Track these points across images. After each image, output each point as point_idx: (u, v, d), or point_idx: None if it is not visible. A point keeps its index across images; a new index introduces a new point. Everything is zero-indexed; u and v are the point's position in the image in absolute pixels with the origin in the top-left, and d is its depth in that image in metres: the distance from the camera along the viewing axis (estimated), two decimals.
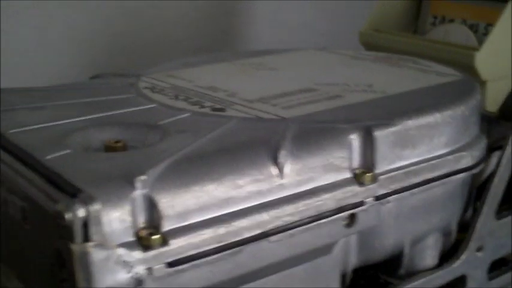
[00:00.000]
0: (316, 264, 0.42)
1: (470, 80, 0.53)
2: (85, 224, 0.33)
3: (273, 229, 0.38)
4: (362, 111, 0.45)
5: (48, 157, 0.37)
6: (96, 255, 0.33)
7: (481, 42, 0.70)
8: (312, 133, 0.41)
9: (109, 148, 0.39)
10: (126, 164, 0.37)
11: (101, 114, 0.44)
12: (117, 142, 0.40)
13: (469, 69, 0.65)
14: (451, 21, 0.77)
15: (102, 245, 0.33)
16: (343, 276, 0.45)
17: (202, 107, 0.46)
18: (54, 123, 0.43)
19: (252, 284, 0.40)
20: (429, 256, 0.48)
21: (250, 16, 0.97)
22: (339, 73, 0.55)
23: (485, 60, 0.68)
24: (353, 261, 0.44)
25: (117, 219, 0.34)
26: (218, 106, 0.46)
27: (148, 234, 0.35)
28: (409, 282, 0.46)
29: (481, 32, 0.75)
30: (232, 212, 0.37)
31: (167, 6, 0.90)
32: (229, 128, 0.42)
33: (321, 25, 1.02)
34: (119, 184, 0.34)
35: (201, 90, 0.49)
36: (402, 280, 0.47)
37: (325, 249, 0.42)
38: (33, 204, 0.35)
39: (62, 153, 0.38)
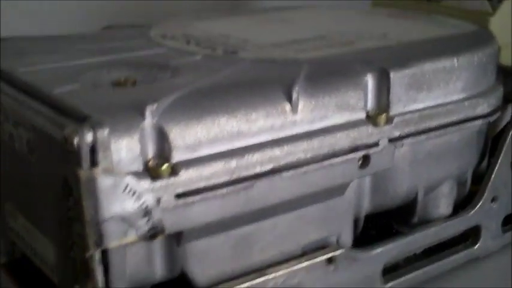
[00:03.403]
0: (328, 206, 0.41)
1: (487, 31, 0.52)
2: (93, 150, 0.32)
3: (285, 165, 0.37)
4: (377, 54, 0.44)
5: (56, 91, 0.37)
6: (104, 181, 0.32)
7: (495, 9, 0.69)
8: (326, 72, 0.41)
9: (118, 84, 0.39)
10: (136, 95, 0.36)
11: (111, 57, 0.44)
12: (126, 79, 0.39)
13: None
14: None
15: (110, 172, 0.32)
16: (356, 222, 0.44)
17: (214, 50, 0.45)
18: (64, 63, 0.43)
19: (263, 223, 0.39)
20: (443, 204, 0.47)
21: None
22: (353, 24, 0.54)
23: (499, 24, 0.67)
24: (366, 205, 0.44)
25: (125, 147, 0.33)
26: (230, 49, 0.45)
27: (158, 164, 0.34)
28: (421, 230, 0.46)
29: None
30: (244, 146, 0.37)
31: None
32: (242, 67, 0.41)
33: None
34: (128, 112, 0.34)
35: (212, 37, 0.49)
36: (415, 229, 0.46)
37: (339, 190, 0.41)
38: (40, 133, 0.35)
39: (70, 87, 0.37)
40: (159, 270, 0.36)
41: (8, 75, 0.40)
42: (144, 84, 0.39)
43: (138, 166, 0.34)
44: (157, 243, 0.36)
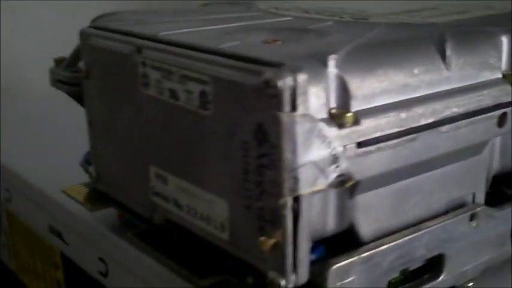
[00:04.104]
0: (469, 164, 0.42)
1: None
2: (292, 94, 0.32)
3: (443, 119, 0.38)
4: (502, 19, 0.45)
5: (222, 46, 0.37)
6: (302, 125, 0.32)
7: None
8: (467, 34, 0.42)
9: (268, 43, 0.39)
10: (309, 48, 0.36)
11: (243, 23, 0.44)
12: (274, 39, 0.40)
13: None
14: None
15: (307, 117, 0.33)
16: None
17: (342, 17, 0.46)
18: (199, 29, 0.43)
19: (417, 178, 0.40)
20: None
21: None
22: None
23: None
24: (495, 166, 0.45)
25: (314, 94, 0.34)
26: (359, 16, 0.46)
27: (341, 113, 0.35)
28: None
29: None
30: (410, 98, 0.37)
31: None
32: (384, 30, 0.42)
33: None
34: (312, 61, 0.34)
35: (328, 8, 0.49)
36: None
37: (478, 149, 0.42)
38: (222, 84, 0.35)
39: (232, 44, 0.38)
40: (330, 223, 0.37)
41: (153, 38, 0.41)
42: (293, 43, 0.39)
43: (324, 114, 0.34)
44: (332, 195, 0.36)
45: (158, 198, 0.42)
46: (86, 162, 0.51)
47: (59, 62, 0.52)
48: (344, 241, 0.38)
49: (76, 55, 0.50)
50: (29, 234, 0.68)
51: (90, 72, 0.46)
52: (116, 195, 0.47)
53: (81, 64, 0.47)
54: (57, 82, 0.51)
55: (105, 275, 0.53)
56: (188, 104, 0.37)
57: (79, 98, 0.50)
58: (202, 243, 0.42)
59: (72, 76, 0.50)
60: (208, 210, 0.38)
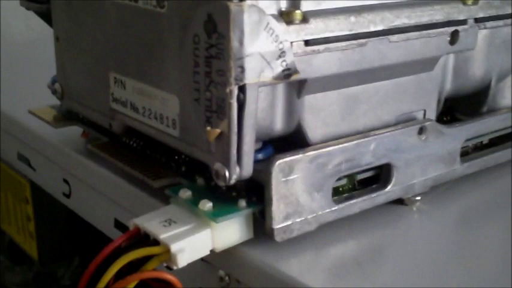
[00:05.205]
0: (420, 79, 0.43)
1: None
2: None
3: (393, 28, 0.40)
4: None
5: None
6: (251, 15, 0.34)
7: None
8: None
9: None
10: None
11: None
12: None
13: None
14: None
15: (256, 8, 0.34)
16: (437, 103, 0.46)
17: None
18: None
19: (368, 86, 0.41)
20: (508, 95, 0.50)
21: None
22: None
23: None
24: (448, 87, 0.46)
25: None
26: None
27: (291, 11, 0.36)
28: (494, 115, 0.48)
29: None
30: (360, 5, 0.39)
31: None
32: None
33: None
34: None
35: None
36: (489, 113, 0.48)
37: (429, 64, 0.43)
38: None
39: None
40: (278, 122, 0.38)
41: None
42: None
43: (274, 11, 0.36)
44: (280, 92, 0.37)
45: (117, 104, 0.43)
46: (53, 83, 0.52)
47: None
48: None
49: None
50: (1, 171, 0.69)
51: None
52: (79, 109, 0.48)
53: None
54: (27, 1, 0.52)
55: (68, 195, 0.54)
56: (146, 3, 0.38)
57: (47, 17, 0.51)
58: (158, 152, 0.43)
59: None
60: (162, 108, 0.39)
